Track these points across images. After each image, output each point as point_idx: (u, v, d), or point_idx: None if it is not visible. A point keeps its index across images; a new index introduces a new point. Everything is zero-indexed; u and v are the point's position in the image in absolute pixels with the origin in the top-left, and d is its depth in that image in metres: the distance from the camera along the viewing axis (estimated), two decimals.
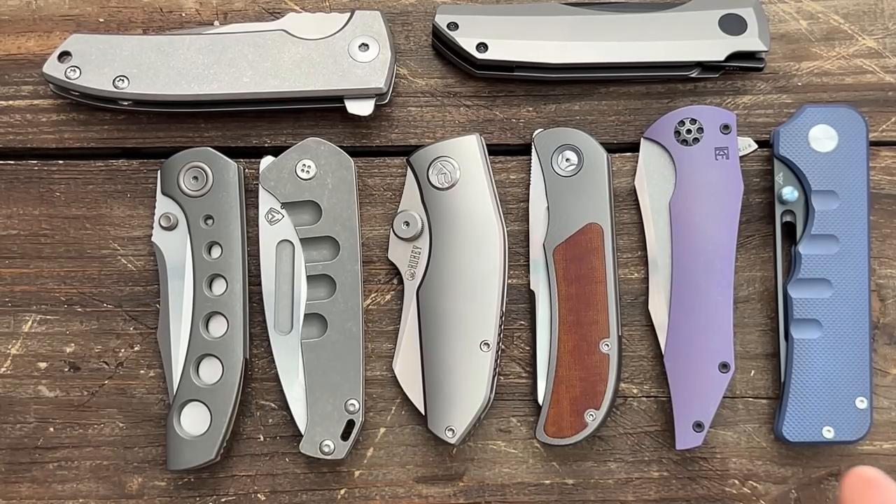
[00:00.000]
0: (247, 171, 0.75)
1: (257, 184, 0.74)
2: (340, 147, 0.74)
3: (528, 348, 0.75)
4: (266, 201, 0.73)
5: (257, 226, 0.73)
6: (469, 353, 0.72)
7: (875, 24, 0.77)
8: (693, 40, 0.74)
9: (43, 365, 0.75)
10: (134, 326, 0.75)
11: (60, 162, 0.76)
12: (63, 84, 0.72)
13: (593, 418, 0.72)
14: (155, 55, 0.72)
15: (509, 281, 0.74)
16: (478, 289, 0.72)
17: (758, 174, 0.76)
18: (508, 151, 0.76)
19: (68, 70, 0.72)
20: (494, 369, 0.72)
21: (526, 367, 0.75)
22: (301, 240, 0.73)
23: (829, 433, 0.72)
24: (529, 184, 0.75)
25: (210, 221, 0.73)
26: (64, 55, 0.73)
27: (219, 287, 0.72)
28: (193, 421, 0.72)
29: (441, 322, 0.72)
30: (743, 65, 0.75)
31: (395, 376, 0.74)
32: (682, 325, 0.73)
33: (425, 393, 0.72)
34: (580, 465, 0.75)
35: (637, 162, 0.75)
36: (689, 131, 0.73)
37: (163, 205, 0.73)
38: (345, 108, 0.73)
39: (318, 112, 0.76)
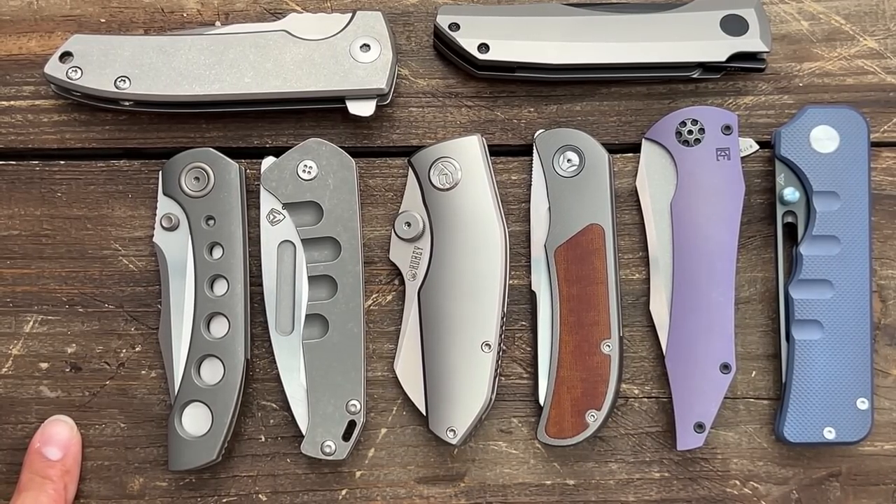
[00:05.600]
0: (248, 171, 0.75)
1: (258, 184, 0.74)
2: (342, 148, 0.74)
3: (529, 349, 0.75)
4: (267, 202, 0.73)
5: (258, 226, 0.73)
6: (470, 354, 0.72)
7: (876, 24, 0.77)
8: (694, 41, 0.74)
9: (44, 365, 0.75)
10: (135, 327, 0.75)
11: (62, 162, 0.76)
12: (64, 84, 0.72)
13: (594, 419, 0.72)
14: (156, 56, 0.72)
15: (510, 281, 0.74)
16: (479, 289, 0.72)
17: (759, 175, 0.76)
18: (510, 152, 0.76)
19: (70, 70, 0.72)
20: (495, 370, 0.72)
21: (527, 368, 0.75)
22: (302, 240, 0.73)
23: (830, 434, 0.72)
24: (531, 184, 0.75)
25: (211, 222, 0.73)
26: (65, 55, 0.73)
27: (220, 287, 0.73)
28: (195, 421, 0.72)
29: (442, 323, 0.72)
30: (744, 65, 0.75)
31: (396, 377, 0.74)
32: (684, 325, 0.73)
33: (426, 393, 0.72)
34: (581, 466, 0.75)
35: (638, 163, 0.75)
36: (690, 132, 0.73)
37: (164, 205, 0.73)
38: (346, 108, 0.73)
39: (320, 112, 0.76)
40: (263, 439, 0.75)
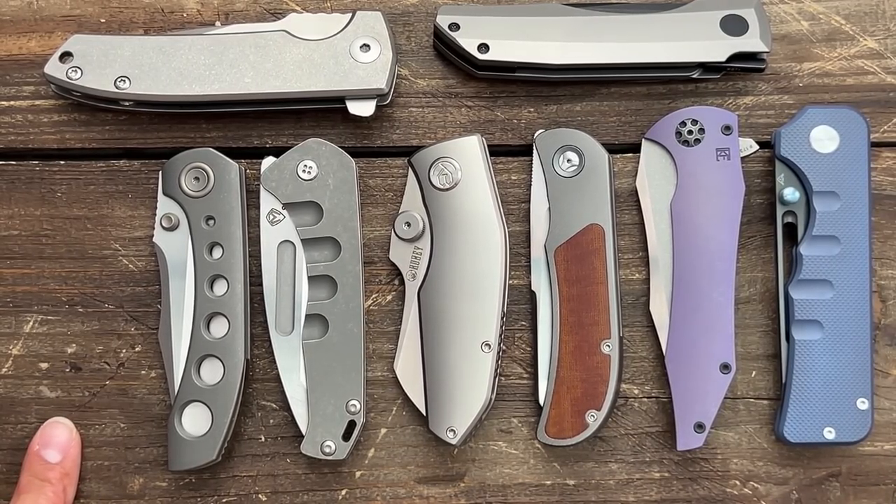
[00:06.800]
0: (248, 171, 0.75)
1: (258, 184, 0.74)
2: (342, 148, 0.74)
3: (529, 349, 0.75)
4: (267, 202, 0.73)
5: (258, 226, 0.73)
6: (470, 354, 0.72)
7: (876, 24, 0.77)
8: (694, 41, 0.74)
9: (44, 365, 0.75)
10: (135, 327, 0.75)
11: (62, 162, 0.76)
12: (64, 84, 0.72)
13: (594, 419, 0.72)
14: (156, 56, 0.72)
15: (510, 281, 0.74)
16: (479, 289, 0.72)
17: (759, 175, 0.76)
18: (510, 152, 0.76)
19: (70, 70, 0.72)
20: (495, 370, 0.72)
21: (527, 368, 0.75)
22: (302, 240, 0.73)
23: (830, 434, 0.72)
24: (530, 184, 0.75)
25: (211, 222, 0.73)
26: (65, 55, 0.73)
27: (220, 287, 0.73)
28: (195, 421, 0.72)
29: (442, 323, 0.72)
30: (744, 65, 0.75)
31: (396, 377, 0.74)
32: (684, 325, 0.73)
33: (426, 393, 0.72)
34: (581, 466, 0.75)
35: (638, 163, 0.75)
36: (690, 132, 0.73)
37: (164, 205, 0.73)
38: (346, 108, 0.73)
39: (320, 113, 0.76)
40: (263, 439, 0.75)
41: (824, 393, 0.72)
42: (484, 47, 0.73)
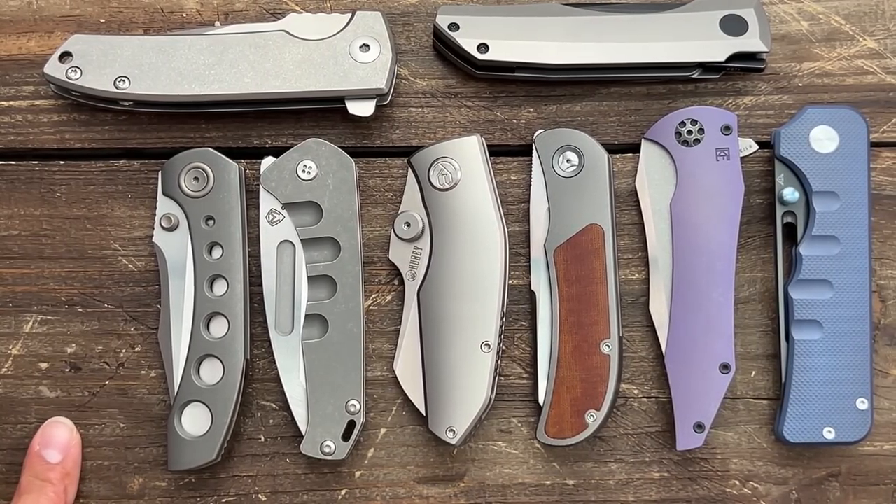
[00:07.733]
0: (248, 171, 0.75)
1: (258, 184, 0.74)
2: (341, 148, 0.74)
3: (528, 349, 0.75)
4: (267, 202, 0.73)
5: (258, 226, 0.73)
6: (470, 354, 0.72)
7: (876, 24, 0.77)
8: (694, 41, 0.74)
9: (44, 365, 0.75)
10: (135, 327, 0.75)
11: (61, 162, 0.76)
12: (64, 84, 0.72)
13: (594, 419, 0.72)
14: (156, 56, 0.72)
15: (510, 281, 0.74)
16: (478, 289, 0.72)
17: (759, 175, 0.76)
18: (509, 152, 0.76)
19: (69, 70, 0.72)
20: (495, 370, 0.72)
21: (527, 368, 0.75)
22: (302, 240, 0.73)
23: (829, 434, 0.72)
24: (530, 184, 0.75)
25: (211, 222, 0.73)
26: (65, 55, 0.73)
27: (220, 287, 0.73)
28: (194, 421, 0.72)
29: (442, 323, 0.72)
30: (744, 65, 0.75)
31: (395, 377, 0.74)
32: (683, 325, 0.73)
33: (426, 393, 0.72)
34: (581, 466, 0.75)
35: (638, 163, 0.75)
36: (689, 132, 0.73)
37: (164, 205, 0.73)
38: (346, 108, 0.73)
39: (319, 113, 0.76)
40: (263, 439, 0.75)
41: (824, 393, 0.72)
42: (483, 47, 0.73)
